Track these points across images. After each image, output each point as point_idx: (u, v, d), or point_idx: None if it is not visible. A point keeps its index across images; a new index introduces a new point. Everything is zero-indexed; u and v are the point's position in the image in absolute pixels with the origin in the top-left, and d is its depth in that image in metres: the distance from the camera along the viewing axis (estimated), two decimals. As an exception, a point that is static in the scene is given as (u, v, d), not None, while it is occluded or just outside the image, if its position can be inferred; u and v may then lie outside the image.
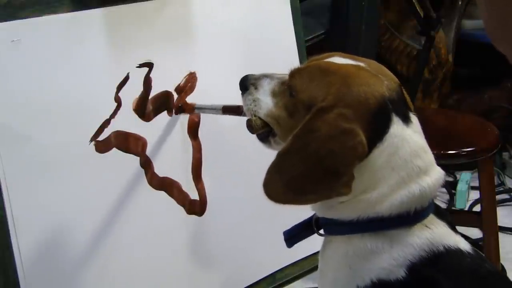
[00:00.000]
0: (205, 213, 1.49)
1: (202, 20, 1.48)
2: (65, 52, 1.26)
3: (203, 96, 1.46)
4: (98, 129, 1.30)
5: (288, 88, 0.97)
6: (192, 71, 1.46)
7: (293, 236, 1.02)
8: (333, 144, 0.84)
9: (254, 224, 1.58)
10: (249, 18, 1.58)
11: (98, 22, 1.30)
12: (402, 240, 0.87)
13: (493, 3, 0.89)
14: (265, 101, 1.01)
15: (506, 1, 0.87)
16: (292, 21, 1.68)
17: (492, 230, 1.76)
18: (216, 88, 1.46)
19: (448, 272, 0.85)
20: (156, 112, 1.40)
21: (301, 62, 1.61)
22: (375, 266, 0.87)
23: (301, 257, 1.69)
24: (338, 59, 0.95)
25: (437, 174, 0.90)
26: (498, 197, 2.38)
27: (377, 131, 0.86)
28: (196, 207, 1.48)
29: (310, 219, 1.00)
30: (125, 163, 1.35)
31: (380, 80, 0.90)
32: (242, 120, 1.04)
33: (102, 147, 1.31)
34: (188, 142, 1.45)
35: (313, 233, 1.00)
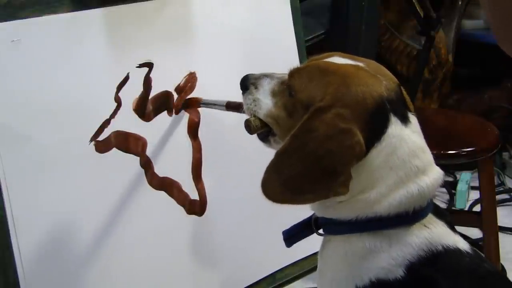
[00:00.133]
0: (205, 213, 1.49)
1: (202, 20, 1.48)
2: (65, 52, 1.26)
3: (203, 96, 1.45)
4: (98, 129, 1.30)
5: (287, 88, 0.97)
6: (192, 71, 1.46)
7: (292, 236, 1.03)
8: (331, 144, 0.84)
9: (254, 224, 1.58)
10: (249, 18, 1.58)
11: (98, 22, 1.30)
12: (401, 240, 0.87)
13: (496, 3, 0.90)
14: (264, 101, 1.01)
15: (509, 2, 0.88)
16: (292, 21, 1.68)
17: (492, 230, 1.76)
18: (216, 88, 1.46)
19: (447, 272, 0.86)
20: (156, 112, 1.40)
21: (301, 62, 1.61)
22: (374, 265, 0.88)
23: (301, 257, 1.69)
24: (338, 59, 0.95)
25: (435, 174, 0.90)
26: (498, 197, 2.38)
27: (375, 131, 0.87)
28: (196, 207, 1.48)
29: (309, 218, 1.01)
30: (125, 163, 1.35)
31: (378, 80, 0.90)
32: (242, 119, 1.05)
33: (102, 147, 1.31)
34: (188, 142, 1.46)
35: (312, 233, 1.00)
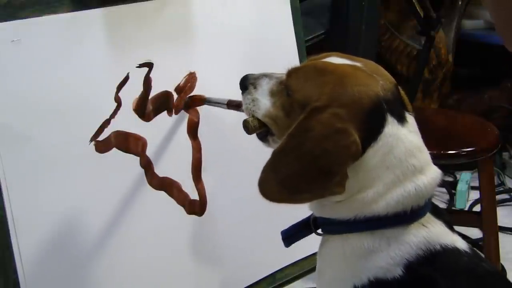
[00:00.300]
0: (205, 213, 1.49)
1: (202, 20, 1.48)
2: (65, 52, 1.26)
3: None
4: (98, 129, 1.30)
5: (285, 88, 0.97)
6: (192, 71, 1.46)
7: (290, 235, 1.03)
8: (327, 144, 0.85)
9: (254, 224, 1.58)
10: (249, 18, 1.58)
11: (98, 22, 1.30)
12: (399, 239, 0.87)
13: (500, 4, 0.90)
14: (263, 101, 1.01)
15: None
16: (292, 21, 1.68)
17: (492, 230, 1.76)
18: (216, 88, 1.46)
19: (445, 271, 0.86)
20: (156, 112, 1.40)
21: (301, 62, 1.61)
22: (372, 265, 0.88)
23: (301, 257, 1.69)
24: (335, 59, 0.95)
25: (433, 173, 0.90)
26: (498, 197, 2.38)
27: (371, 130, 0.87)
28: (196, 207, 1.48)
29: (308, 218, 1.01)
30: (125, 163, 1.35)
31: (375, 80, 0.90)
32: (242, 119, 1.05)
33: (102, 147, 1.31)
34: (188, 142, 1.46)
35: (311, 233, 1.01)
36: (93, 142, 1.30)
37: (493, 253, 1.75)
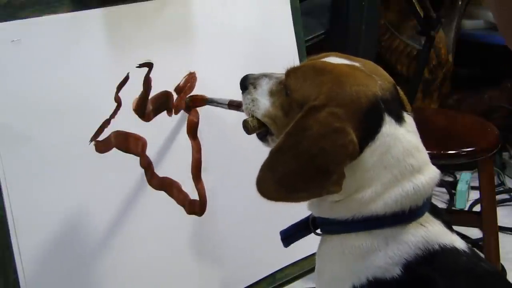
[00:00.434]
0: (205, 213, 1.49)
1: (202, 20, 1.48)
2: (65, 52, 1.26)
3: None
4: (98, 129, 1.30)
5: (284, 88, 0.97)
6: (192, 71, 1.46)
7: (290, 235, 1.03)
8: (324, 143, 0.85)
9: (254, 224, 1.58)
10: (249, 18, 1.58)
11: (98, 22, 1.30)
12: (397, 239, 0.88)
13: (503, 3, 0.90)
14: (262, 101, 1.02)
15: None
16: (292, 21, 1.68)
17: (492, 230, 1.76)
18: (216, 88, 1.46)
19: (444, 271, 0.86)
20: (156, 112, 1.40)
21: (301, 62, 1.61)
22: (371, 264, 0.88)
23: (301, 257, 1.69)
24: (334, 59, 0.96)
25: (431, 173, 0.91)
26: (498, 197, 2.38)
27: (369, 130, 0.87)
28: (196, 207, 1.48)
29: (307, 218, 1.01)
30: (125, 163, 1.35)
31: (373, 80, 0.90)
32: (242, 119, 1.05)
33: (102, 147, 1.31)
34: (188, 142, 1.46)
35: (310, 233, 1.01)
36: (93, 142, 1.30)
37: (493, 253, 1.75)
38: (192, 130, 1.46)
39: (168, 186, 1.42)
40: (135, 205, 1.36)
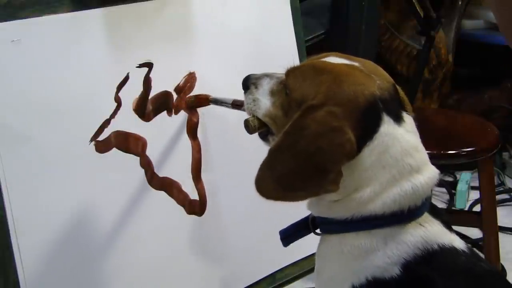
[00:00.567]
0: (205, 213, 1.49)
1: (202, 20, 1.48)
2: (65, 52, 1.26)
3: (203, 96, 1.46)
4: (98, 129, 1.30)
5: (284, 87, 0.98)
6: (191, 71, 1.46)
7: (289, 235, 1.03)
8: (321, 141, 0.85)
9: (254, 224, 1.58)
10: (249, 18, 1.59)
11: (98, 22, 1.30)
12: (396, 238, 0.88)
13: (503, 3, 0.90)
14: (263, 100, 1.02)
15: None
16: (292, 21, 1.68)
17: (492, 230, 1.76)
18: (216, 88, 1.46)
19: (443, 271, 0.86)
20: (156, 112, 1.40)
21: (301, 62, 1.61)
22: (370, 264, 0.88)
23: (301, 257, 1.69)
24: (334, 59, 0.96)
25: (430, 173, 0.91)
26: (498, 197, 2.38)
27: (367, 129, 0.87)
28: (196, 207, 1.48)
29: (306, 218, 1.01)
30: (125, 163, 1.35)
31: (371, 80, 0.90)
32: (242, 119, 1.05)
33: (102, 147, 1.31)
34: (188, 142, 1.46)
35: (309, 233, 1.01)
36: (93, 142, 1.30)
37: (493, 253, 1.75)
38: (192, 130, 1.46)
39: (168, 186, 1.42)
40: (135, 205, 1.36)
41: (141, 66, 1.36)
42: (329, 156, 0.85)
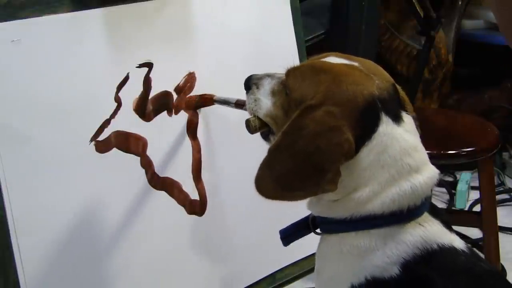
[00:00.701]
0: (205, 213, 1.49)
1: (202, 20, 1.48)
2: (65, 52, 1.26)
3: (203, 96, 1.46)
4: (98, 129, 1.30)
5: (284, 87, 0.98)
6: (191, 71, 1.46)
7: (289, 235, 1.04)
8: (320, 141, 0.85)
9: (254, 224, 1.58)
10: (249, 18, 1.59)
11: (98, 22, 1.30)
12: (396, 238, 0.88)
13: (504, 3, 0.90)
14: (264, 101, 1.02)
15: None
16: (292, 21, 1.68)
17: (492, 230, 1.76)
18: (216, 88, 1.46)
19: (442, 270, 0.86)
20: (156, 112, 1.40)
21: (301, 62, 1.61)
22: (369, 263, 0.88)
23: (301, 257, 1.69)
24: (334, 59, 0.96)
25: (430, 172, 0.91)
26: (498, 197, 2.38)
27: (365, 129, 0.87)
28: (196, 207, 1.48)
29: (306, 218, 1.01)
30: (126, 163, 1.35)
31: (371, 80, 0.90)
32: (243, 119, 1.05)
33: (102, 147, 1.31)
34: (188, 142, 1.46)
35: (309, 232, 1.01)
36: (93, 142, 1.30)
37: (493, 253, 1.75)
38: (192, 130, 1.46)
39: (168, 186, 1.42)
40: (135, 205, 1.36)
41: (141, 66, 1.36)
42: (327, 156, 0.85)
